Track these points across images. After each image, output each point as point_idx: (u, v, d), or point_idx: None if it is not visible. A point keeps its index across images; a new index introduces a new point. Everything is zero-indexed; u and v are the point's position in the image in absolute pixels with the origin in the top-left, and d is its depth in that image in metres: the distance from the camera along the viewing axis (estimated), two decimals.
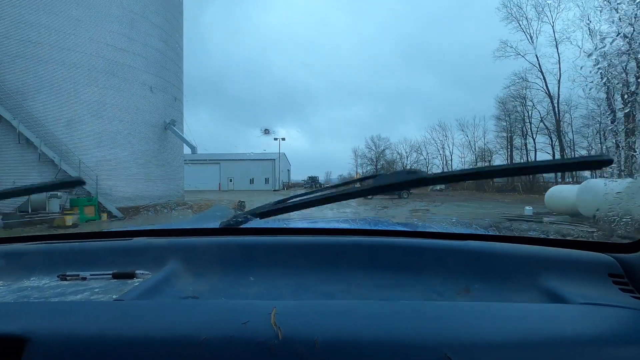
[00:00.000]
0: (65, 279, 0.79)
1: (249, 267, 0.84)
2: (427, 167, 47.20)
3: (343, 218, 1.48)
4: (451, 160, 44.29)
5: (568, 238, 1.00)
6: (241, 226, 1.01)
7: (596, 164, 0.74)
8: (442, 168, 45.02)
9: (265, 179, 45.80)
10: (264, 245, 0.91)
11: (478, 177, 0.83)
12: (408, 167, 50.05)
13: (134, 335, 0.50)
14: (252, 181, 45.15)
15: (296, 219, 1.31)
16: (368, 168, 51.87)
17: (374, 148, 53.76)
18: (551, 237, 0.97)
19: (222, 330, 0.50)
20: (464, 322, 0.53)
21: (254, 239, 0.95)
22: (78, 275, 0.79)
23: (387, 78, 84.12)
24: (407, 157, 51.42)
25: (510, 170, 0.88)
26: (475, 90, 60.94)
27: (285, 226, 1.23)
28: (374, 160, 53.35)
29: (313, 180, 47.54)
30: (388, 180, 0.79)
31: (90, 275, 0.79)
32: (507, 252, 0.83)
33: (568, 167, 1.10)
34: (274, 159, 45.50)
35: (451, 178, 0.83)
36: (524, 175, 4.45)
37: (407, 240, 0.93)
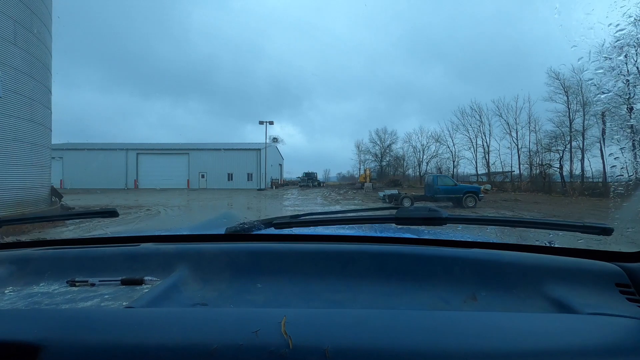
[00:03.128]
0: (75, 285, 0.79)
1: (257, 273, 0.85)
2: (454, 160, 38.53)
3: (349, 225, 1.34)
4: (487, 152, 35.06)
5: (574, 247, 0.95)
6: (248, 232, 1.05)
7: (600, 230, 0.83)
8: (475, 163, 36.30)
9: (248, 174, 35.83)
10: (271, 252, 0.92)
11: (500, 224, 0.99)
12: (424, 162, 42.24)
13: (145, 344, 0.50)
14: (230, 177, 35.24)
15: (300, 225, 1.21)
16: (372, 165, 43.36)
17: (378, 142, 45.79)
18: (557, 246, 1.00)
19: (233, 339, 0.50)
20: (472, 332, 0.53)
21: (261, 245, 0.96)
22: (87, 281, 0.79)
23: (388, 68, 77.24)
24: (423, 150, 42.67)
25: (530, 223, 0.95)
26: (484, 82, 53.20)
27: (290, 233, 1.18)
28: (379, 155, 45.33)
29: (310, 177, 38.70)
30: (410, 214, 0.91)
31: (99, 281, 0.80)
32: (513, 260, 0.83)
33: (574, 228, 0.97)
34: (260, 149, 35.65)
35: (473, 221, 0.97)
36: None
37: (413, 248, 0.93)
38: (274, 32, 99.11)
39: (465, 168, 37.24)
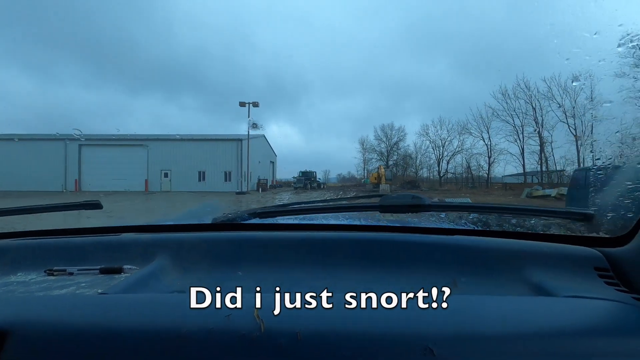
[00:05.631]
0: (53, 274, 0.79)
1: (238, 262, 0.85)
2: (489, 156, 32.08)
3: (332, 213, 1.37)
4: (541, 145, 27.41)
5: (555, 232, 0.98)
6: (230, 221, 1.05)
7: (581, 216, 0.86)
8: (522, 160, 29.14)
9: (225, 173, 28.12)
10: (253, 240, 0.92)
11: (483, 210, 1.04)
12: (445, 160, 36.20)
13: (115, 328, 0.51)
14: (201, 176, 27.59)
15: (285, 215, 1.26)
16: (377, 165, 36.81)
17: (384, 140, 39.79)
18: (539, 232, 1.01)
19: (204, 323, 0.50)
20: (447, 315, 0.53)
21: (243, 234, 0.96)
22: (65, 270, 0.79)
23: (389, 63, 72.03)
24: (443, 145, 36.41)
25: (512, 210, 1.02)
26: (491, 78, 48.27)
27: (274, 222, 1.19)
28: (385, 154, 39.21)
29: (307, 177, 31.64)
30: (393, 201, 0.92)
31: (78, 270, 0.79)
32: (494, 246, 0.84)
33: (555, 214, 1.03)
34: (241, 140, 27.92)
35: (456, 208, 1.04)
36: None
37: (395, 235, 0.93)
38: (267, 23, 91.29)
39: (507, 166, 29.83)
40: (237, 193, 24.08)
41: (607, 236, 0.84)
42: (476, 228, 1.11)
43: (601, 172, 1.10)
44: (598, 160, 1.16)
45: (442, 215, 1.41)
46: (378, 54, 77.70)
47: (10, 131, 26.11)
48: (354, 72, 75.89)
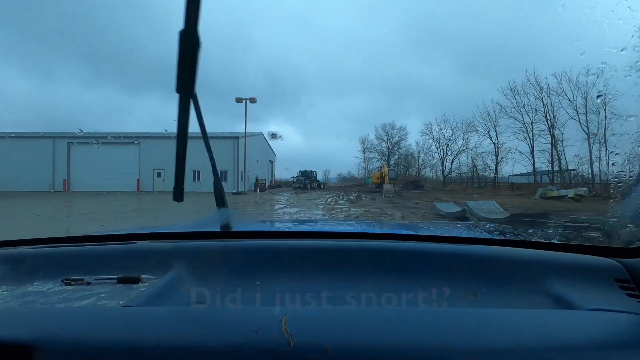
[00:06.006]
0: (70, 284, 0.78)
1: (255, 271, 0.84)
2: (497, 155, 30.86)
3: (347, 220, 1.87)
4: (553, 144, 26.00)
5: (573, 242, 0.95)
6: (245, 229, 1.03)
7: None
8: (532, 159, 28.01)
9: (222, 172, 26.32)
10: (269, 248, 0.91)
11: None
12: (449, 159, 35.17)
13: (142, 343, 0.50)
14: (196, 176, 26.16)
15: (301, 222, 1.29)
16: (378, 164, 35.86)
17: (385, 139, 39.04)
18: (556, 242, 0.98)
19: (233, 338, 0.50)
20: (472, 329, 0.53)
21: (260, 242, 0.95)
22: (82, 279, 0.78)
23: (389, 62, 71.34)
24: (448, 144, 35.31)
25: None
26: (494, 77, 47.39)
27: (290, 229, 1.18)
28: (386, 153, 38.39)
29: (307, 177, 30.55)
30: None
31: (95, 279, 0.78)
32: (513, 256, 0.83)
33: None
34: (238, 138, 26.81)
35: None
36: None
37: (412, 245, 0.92)
38: (266, 22, 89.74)
39: (515, 165, 28.50)
40: (234, 193, 22.93)
41: (626, 247, 0.83)
42: (494, 237, 1.11)
43: (622, 184, 1.06)
44: (621, 173, 1.09)
45: (459, 224, 1.41)
46: (378, 53, 76.83)
47: (7, 130, 24.63)
48: (353, 71, 75.64)
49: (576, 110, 24.22)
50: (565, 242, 0.94)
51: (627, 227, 0.87)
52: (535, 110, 26.52)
